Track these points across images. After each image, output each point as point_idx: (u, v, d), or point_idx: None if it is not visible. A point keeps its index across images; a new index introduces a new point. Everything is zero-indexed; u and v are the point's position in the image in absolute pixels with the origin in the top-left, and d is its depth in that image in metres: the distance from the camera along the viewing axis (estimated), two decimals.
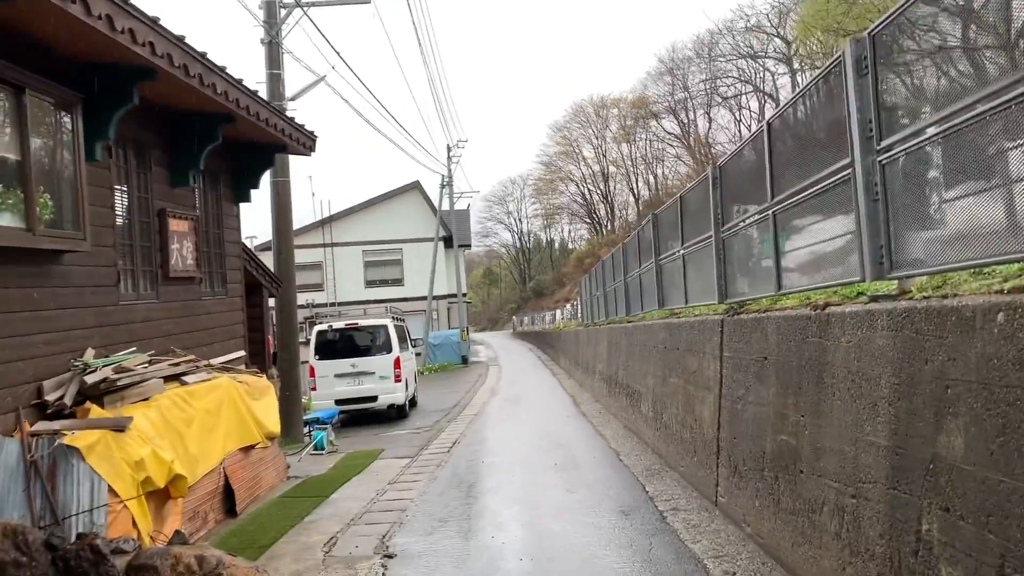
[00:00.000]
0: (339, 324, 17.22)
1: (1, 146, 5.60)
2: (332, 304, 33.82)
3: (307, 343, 16.99)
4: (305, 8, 14.90)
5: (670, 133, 64.18)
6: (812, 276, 5.71)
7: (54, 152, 6.25)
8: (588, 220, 79.07)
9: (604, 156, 72.73)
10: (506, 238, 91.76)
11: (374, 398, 16.49)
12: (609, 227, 72.35)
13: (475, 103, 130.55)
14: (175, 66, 6.75)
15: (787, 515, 5.50)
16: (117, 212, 7.55)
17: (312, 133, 11.06)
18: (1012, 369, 3.10)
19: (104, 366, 6.51)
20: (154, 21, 6.31)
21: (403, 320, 19.78)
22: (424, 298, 35.47)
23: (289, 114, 12.02)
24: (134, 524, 5.90)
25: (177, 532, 6.12)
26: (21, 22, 5.59)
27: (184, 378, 7.62)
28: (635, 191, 69.88)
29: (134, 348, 7.40)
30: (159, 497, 6.45)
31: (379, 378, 16.49)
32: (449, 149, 40.16)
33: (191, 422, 7.22)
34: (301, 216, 45.49)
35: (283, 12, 14.52)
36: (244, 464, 8.63)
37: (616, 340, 15.23)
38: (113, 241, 7.33)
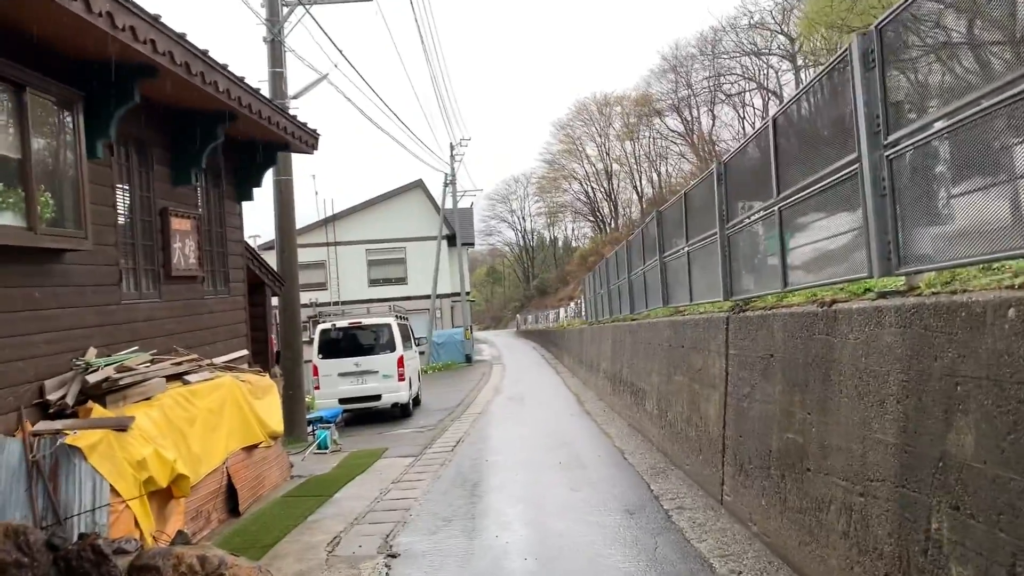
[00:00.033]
0: (342, 323, 17.19)
1: (2, 144, 5.57)
2: (336, 303, 33.80)
3: (310, 342, 16.96)
4: (307, 6, 14.86)
5: (674, 131, 64.12)
6: (818, 273, 5.66)
7: (55, 150, 6.23)
8: (592, 218, 79.03)
9: (607, 154, 72.69)
10: (509, 236, 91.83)
11: (377, 397, 16.46)
12: (613, 225, 72.31)
13: (478, 101, 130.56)
14: (176, 64, 6.73)
15: (794, 514, 5.46)
16: (119, 211, 7.53)
17: (315, 131, 11.03)
18: (1023, 365, 3.05)
19: (106, 365, 6.49)
20: (155, 19, 6.28)
21: (407, 319, 19.76)
22: (428, 297, 35.46)
23: (292, 112, 12.00)
24: (136, 524, 5.88)
25: (180, 532, 6.09)
26: (22, 20, 5.57)
27: (187, 377, 7.60)
28: (639, 189, 69.85)
29: (136, 347, 7.38)
30: (162, 497, 6.43)
31: (383, 377, 16.46)
32: (452, 147, 40.15)
33: (194, 421, 7.19)
34: (304, 215, 45.50)
35: (285, 10, 14.49)
36: (247, 463, 8.61)
37: (620, 338, 15.18)
38: (115, 240, 7.31)
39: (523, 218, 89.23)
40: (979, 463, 3.34)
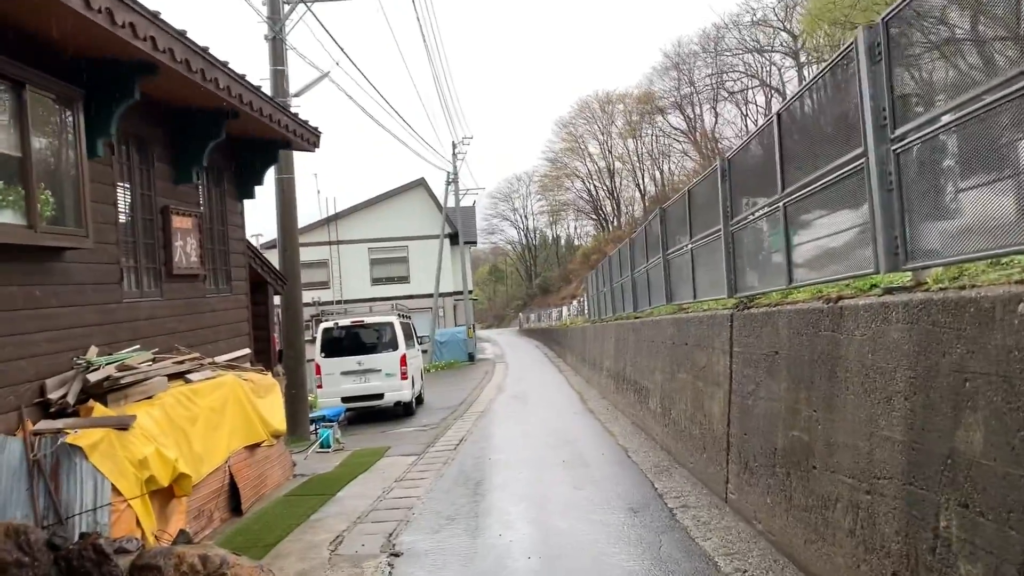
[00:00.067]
0: (345, 322, 17.16)
1: (2, 142, 5.54)
2: (338, 302, 33.79)
3: (313, 341, 16.94)
4: (308, 3, 14.82)
5: (676, 128, 64.07)
6: (824, 269, 5.61)
7: (55, 148, 6.20)
8: (594, 216, 78.97)
9: (610, 152, 72.65)
10: (512, 235, 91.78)
11: (380, 396, 16.43)
12: (615, 223, 72.24)
13: (480, 100, 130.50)
14: (177, 61, 6.69)
15: (799, 512, 5.42)
16: (120, 209, 7.49)
17: (316, 129, 10.99)
18: None
19: (107, 364, 6.46)
20: (155, 15, 6.24)
21: (409, 317, 19.73)
22: (430, 295, 35.43)
23: (293, 111, 11.96)
24: (138, 523, 5.85)
25: (182, 531, 6.07)
26: (21, 16, 5.53)
27: (188, 376, 7.57)
28: (641, 187, 69.77)
29: (138, 346, 7.35)
30: (163, 496, 6.40)
31: (385, 375, 16.43)
32: (454, 146, 40.10)
33: (195, 420, 7.16)
34: (306, 214, 45.53)
35: (286, 8, 14.46)
36: (249, 462, 8.58)
37: (623, 336, 15.14)
38: (116, 238, 7.28)
39: (525, 216, 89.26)
40: (989, 460, 3.30)
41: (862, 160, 4.59)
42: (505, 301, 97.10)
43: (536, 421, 14.41)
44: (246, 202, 10.86)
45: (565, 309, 45.44)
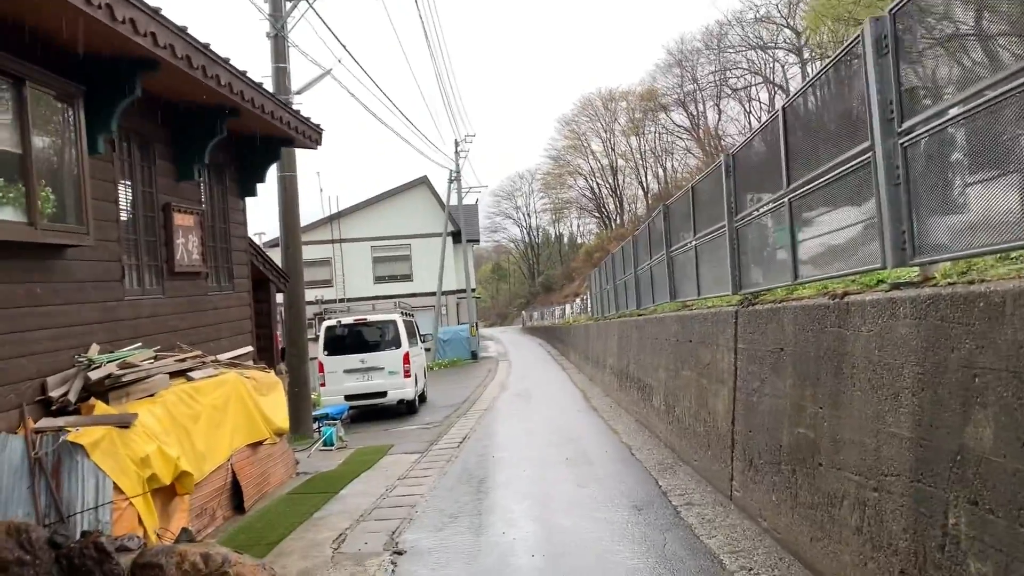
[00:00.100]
0: (348, 320, 17.13)
1: (2, 139, 5.51)
2: (341, 300, 33.77)
3: (316, 339, 16.92)
4: (311, 0, 14.78)
5: (679, 126, 63.92)
6: (830, 264, 5.56)
7: (56, 145, 6.17)
8: (597, 214, 78.87)
9: (613, 149, 72.53)
10: (515, 233, 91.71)
11: (383, 394, 16.41)
12: (618, 221, 72.15)
13: (483, 97, 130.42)
14: (178, 57, 6.66)
15: (805, 509, 5.37)
16: (121, 206, 7.47)
17: (318, 126, 10.96)
18: None
19: (109, 362, 6.44)
20: (155, 11, 6.21)
21: (412, 315, 19.69)
22: (433, 294, 35.39)
23: (295, 108, 11.93)
24: (140, 522, 5.82)
25: (184, 529, 6.05)
26: (21, 13, 5.50)
27: (190, 374, 7.54)
28: (644, 184, 69.66)
29: (139, 344, 7.33)
30: (165, 494, 6.37)
31: (388, 373, 16.40)
32: (457, 144, 40.03)
33: (198, 418, 7.14)
34: (309, 213, 45.58)
35: (288, 5, 14.42)
36: (252, 460, 8.56)
37: (627, 334, 15.10)
38: (117, 236, 7.25)
39: (528, 215, 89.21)
40: (998, 457, 3.26)
41: (869, 154, 4.54)
42: (508, 299, 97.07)
43: (539, 419, 14.38)
44: (249, 200, 10.84)
45: (568, 307, 45.38)
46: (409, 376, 16.52)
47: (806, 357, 5.44)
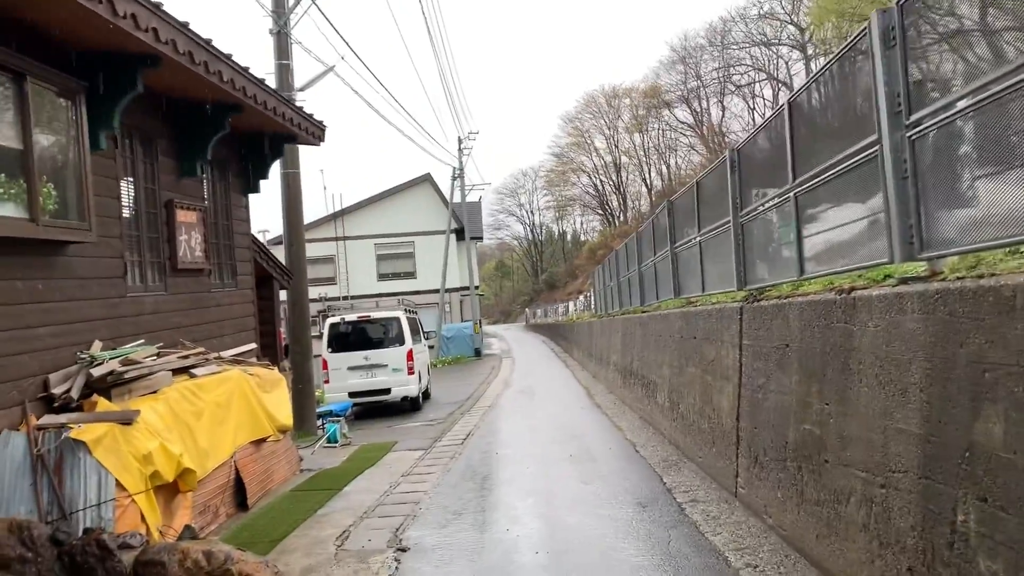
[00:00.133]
0: (351, 317, 17.12)
1: (3, 135, 5.48)
2: (345, 298, 33.77)
3: (319, 336, 16.90)
4: None
5: (683, 122, 63.83)
6: (836, 260, 5.52)
7: (57, 141, 6.14)
8: (600, 211, 78.80)
9: (616, 146, 72.44)
10: (518, 230, 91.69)
11: (387, 391, 16.39)
12: (622, 218, 72.06)
13: (485, 95, 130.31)
14: (179, 53, 6.63)
15: (811, 506, 5.33)
16: (123, 203, 7.44)
17: (321, 123, 10.93)
18: None
19: (111, 359, 6.42)
20: (157, 6, 6.18)
21: (415, 312, 19.67)
22: (436, 291, 35.37)
23: (298, 105, 11.90)
24: (143, 519, 5.80)
25: (187, 526, 6.04)
26: (21, 7, 5.47)
27: (193, 371, 7.52)
28: (648, 181, 69.56)
29: (142, 340, 7.31)
30: (168, 491, 6.35)
31: (392, 370, 16.39)
32: (460, 141, 40.00)
33: (201, 415, 7.12)
34: (313, 210, 45.61)
35: (291, 1, 14.39)
36: (256, 457, 8.54)
37: (631, 331, 15.06)
38: (119, 232, 7.23)
39: (531, 212, 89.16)
40: (1009, 453, 3.21)
41: (876, 148, 4.49)
42: (511, 297, 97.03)
43: (543, 416, 14.35)
44: (252, 198, 10.82)
45: (571, 304, 45.35)
46: (413, 373, 16.50)
47: (812, 353, 5.40)
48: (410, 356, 16.47)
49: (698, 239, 9.55)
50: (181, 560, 4.62)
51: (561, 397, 17.45)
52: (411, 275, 38.26)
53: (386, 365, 16.39)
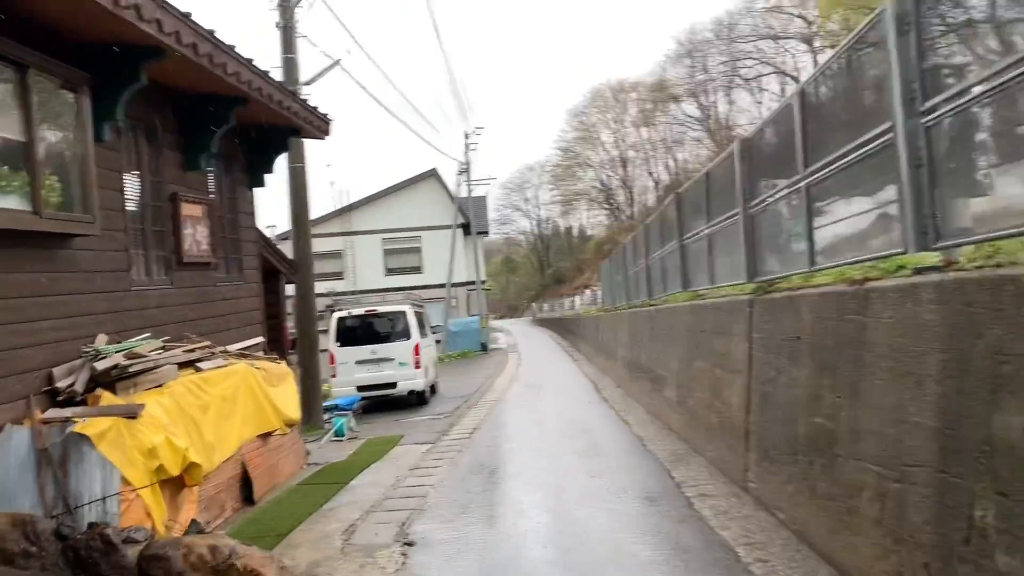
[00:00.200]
0: (358, 311, 17.10)
1: (5, 126, 5.44)
2: (352, 292, 33.78)
3: (326, 331, 16.87)
4: None
5: (690, 116, 63.58)
6: (848, 251, 5.43)
7: (61, 133, 6.10)
8: (607, 206, 78.62)
9: (623, 141, 72.22)
10: (524, 225, 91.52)
11: (394, 384, 16.38)
12: (628, 213, 71.89)
13: (492, 90, 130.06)
14: (183, 45, 6.57)
15: (823, 501, 5.26)
16: (128, 196, 7.40)
17: (326, 116, 10.87)
18: None
19: (116, 352, 6.38)
20: None
21: (422, 307, 19.64)
22: (443, 286, 35.34)
23: (303, 98, 11.84)
24: (148, 513, 5.76)
25: (193, 521, 6.01)
26: None
27: (199, 364, 7.48)
28: (654, 175, 69.35)
29: (147, 334, 7.27)
30: (174, 485, 6.32)
31: (399, 364, 16.37)
32: (466, 136, 39.99)
33: (206, 409, 7.08)
34: (321, 206, 45.64)
35: None
36: (262, 451, 8.51)
37: (638, 324, 14.98)
38: (124, 225, 7.19)
39: (538, 207, 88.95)
40: None
41: (890, 135, 4.41)
42: (518, 291, 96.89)
43: (550, 410, 14.30)
44: (259, 192, 10.79)
45: (578, 299, 45.29)
46: (420, 367, 16.48)
47: (824, 345, 5.32)
48: (417, 350, 16.45)
49: (706, 231, 9.46)
50: (186, 554, 4.58)
51: (568, 391, 17.40)
52: (418, 270, 38.24)
53: (393, 359, 16.36)
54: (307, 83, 15.01)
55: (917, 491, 4.01)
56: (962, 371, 3.63)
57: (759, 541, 5.85)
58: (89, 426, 5.52)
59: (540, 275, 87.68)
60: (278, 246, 13.61)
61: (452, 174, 39.67)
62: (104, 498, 5.43)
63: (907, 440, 4.13)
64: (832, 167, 5.38)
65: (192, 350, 7.63)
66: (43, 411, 5.69)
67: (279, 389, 9.04)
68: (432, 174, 39.80)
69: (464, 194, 39.13)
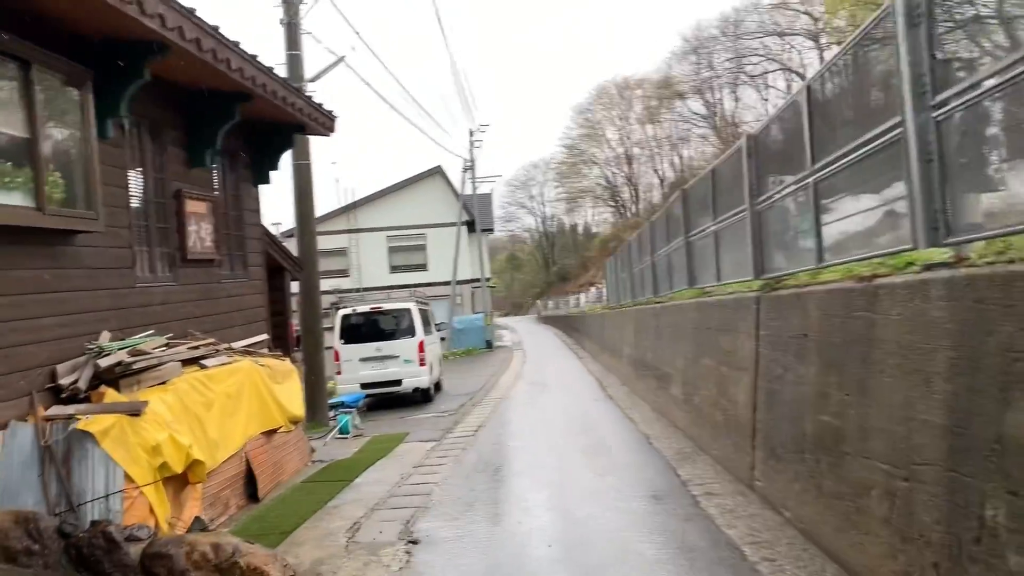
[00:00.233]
0: (363, 308, 17.09)
1: (8, 123, 5.42)
2: (357, 290, 33.80)
3: (331, 328, 16.87)
4: None
5: (696, 113, 63.41)
6: (857, 247, 5.38)
7: (64, 130, 6.08)
8: (612, 203, 78.51)
9: (628, 138, 72.08)
10: (529, 223, 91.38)
11: (399, 382, 16.37)
12: (633, 210, 71.76)
13: (497, 87, 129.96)
14: (186, 40, 6.55)
15: (830, 499, 5.21)
16: (132, 193, 7.38)
17: (331, 112, 10.84)
18: None
19: (119, 349, 6.36)
20: None
21: (427, 304, 19.62)
22: (448, 283, 35.33)
23: (308, 95, 11.81)
24: (152, 511, 5.75)
25: (197, 518, 5.99)
26: None
27: (203, 361, 7.46)
28: (660, 173, 69.22)
29: (151, 331, 7.26)
30: (178, 483, 6.30)
31: (404, 362, 16.36)
32: (471, 133, 39.92)
33: (211, 406, 7.06)
34: (326, 203, 45.61)
35: None
36: (267, 449, 8.49)
37: (644, 322, 14.93)
38: (128, 222, 7.17)
39: (543, 204, 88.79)
40: None
41: (899, 130, 4.36)
42: (523, 289, 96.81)
43: (555, 408, 14.26)
44: (265, 190, 10.77)
45: (583, 296, 45.25)
46: (424, 364, 16.46)
47: (832, 343, 5.27)
48: (421, 347, 16.43)
49: (713, 228, 9.41)
50: (188, 552, 4.56)
51: (573, 389, 17.36)
52: (423, 267, 38.23)
53: (398, 356, 16.35)
54: (312, 80, 14.99)
55: (926, 490, 3.96)
56: (972, 368, 3.58)
57: (765, 540, 5.81)
58: (92, 423, 5.50)
59: (545, 272, 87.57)
60: (283, 243, 13.60)
61: (457, 171, 39.70)
62: (107, 495, 5.41)
63: (916, 438, 4.08)
64: (840, 163, 5.33)
65: (196, 347, 7.61)
66: (46, 408, 5.68)
67: (283, 386, 9.02)
68: (437, 171, 39.78)
69: (469, 191, 39.09)
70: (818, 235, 5.88)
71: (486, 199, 47.68)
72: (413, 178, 39.48)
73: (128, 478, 5.55)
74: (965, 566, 3.59)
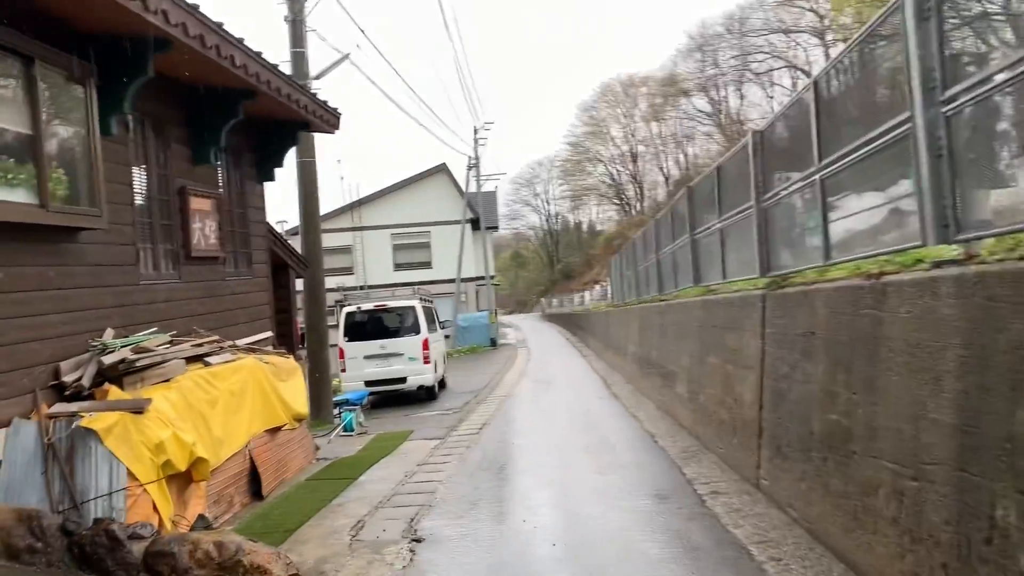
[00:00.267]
0: (368, 306, 17.09)
1: (11, 119, 5.40)
2: (361, 287, 33.79)
3: (336, 326, 16.87)
4: None
5: (700, 111, 63.24)
6: (864, 244, 5.33)
7: (67, 126, 6.06)
8: (617, 201, 78.35)
9: (633, 136, 71.93)
10: (534, 221, 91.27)
11: (403, 379, 16.36)
12: (638, 208, 71.62)
13: (501, 85, 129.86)
14: (190, 36, 6.52)
15: (837, 499, 5.17)
16: (136, 190, 7.37)
17: (335, 110, 10.82)
18: None
19: (123, 347, 6.35)
20: None
21: (431, 302, 19.60)
22: (452, 281, 35.30)
23: (312, 92, 11.78)
24: (155, 508, 5.74)
25: (200, 516, 5.98)
26: None
27: (207, 359, 7.45)
28: (664, 170, 69.07)
29: (155, 328, 7.24)
30: (181, 480, 6.29)
31: (408, 359, 16.35)
32: (476, 131, 39.87)
33: (214, 404, 7.05)
34: (330, 201, 45.65)
35: None
36: (271, 446, 8.48)
37: (648, 320, 14.88)
38: (132, 219, 7.16)
39: (547, 202, 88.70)
40: None
41: (908, 125, 4.31)
42: (527, 287, 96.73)
43: (560, 406, 14.23)
44: (270, 188, 10.77)
45: (588, 294, 45.16)
46: (428, 362, 16.45)
47: (839, 341, 5.22)
48: (426, 345, 16.42)
49: (719, 225, 9.36)
50: (191, 551, 4.54)
51: (578, 387, 17.32)
52: (427, 265, 38.20)
53: (402, 354, 16.35)
54: (316, 77, 14.96)
55: (935, 489, 3.92)
56: (983, 366, 3.53)
57: (772, 539, 5.77)
58: (96, 420, 5.49)
59: (549, 270, 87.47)
60: (288, 241, 13.58)
61: (462, 169, 39.61)
62: (110, 493, 5.40)
63: (925, 437, 4.04)
64: (847, 159, 5.28)
65: (200, 344, 7.60)
66: (50, 405, 5.66)
67: (288, 384, 9.01)
68: (441, 169, 39.74)
69: (474, 189, 39.05)
70: (825, 232, 5.83)
71: (491, 197, 47.62)
72: (417, 176, 39.45)
73: (131, 476, 5.54)
74: (975, 567, 3.55)
